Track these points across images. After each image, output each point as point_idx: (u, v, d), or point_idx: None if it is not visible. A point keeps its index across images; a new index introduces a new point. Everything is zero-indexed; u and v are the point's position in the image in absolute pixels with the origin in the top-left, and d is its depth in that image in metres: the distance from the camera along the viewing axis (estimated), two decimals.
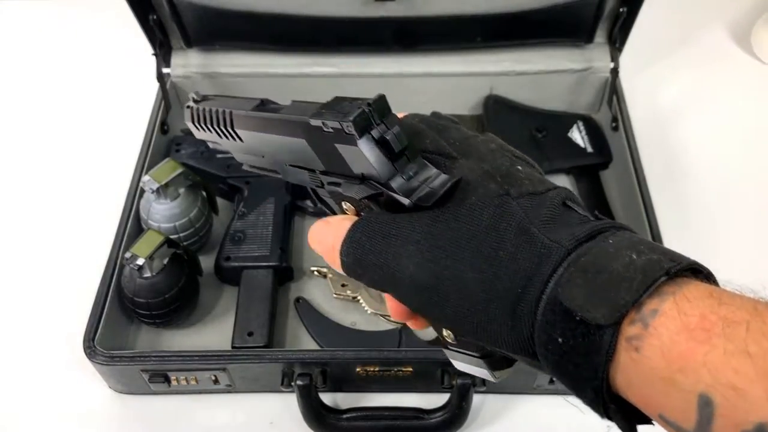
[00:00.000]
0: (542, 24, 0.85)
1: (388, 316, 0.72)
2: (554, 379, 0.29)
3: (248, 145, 0.44)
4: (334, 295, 0.75)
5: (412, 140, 0.34)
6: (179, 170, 0.73)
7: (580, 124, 0.90)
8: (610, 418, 0.28)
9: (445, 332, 0.36)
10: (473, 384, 0.64)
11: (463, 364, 0.37)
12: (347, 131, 0.32)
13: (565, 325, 0.27)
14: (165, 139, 0.86)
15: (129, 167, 0.80)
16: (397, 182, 0.33)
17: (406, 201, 0.33)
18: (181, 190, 0.74)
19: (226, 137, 0.45)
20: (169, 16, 0.82)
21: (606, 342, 0.26)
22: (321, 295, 0.76)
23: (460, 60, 0.90)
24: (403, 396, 0.68)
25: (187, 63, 0.90)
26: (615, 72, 0.87)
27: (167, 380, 0.66)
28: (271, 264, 0.74)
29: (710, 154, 0.90)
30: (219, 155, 0.82)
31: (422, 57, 0.89)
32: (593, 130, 0.89)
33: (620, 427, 0.28)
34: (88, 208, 0.85)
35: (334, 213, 0.42)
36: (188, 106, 0.48)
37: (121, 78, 1.00)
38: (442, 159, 0.35)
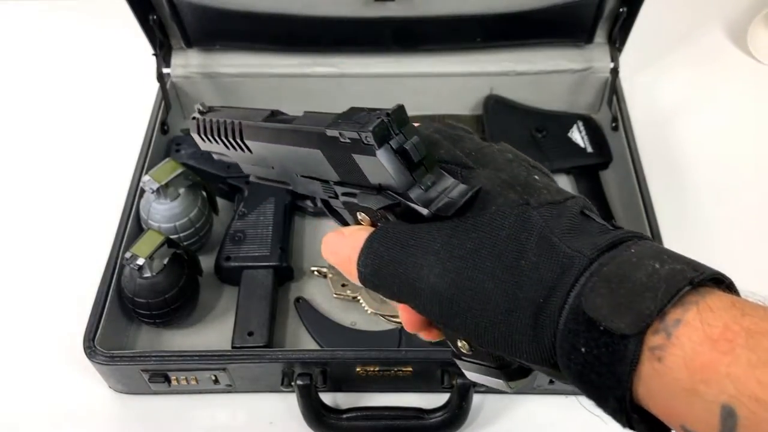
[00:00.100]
0: (542, 24, 0.85)
1: (388, 316, 0.72)
2: (576, 388, 0.29)
3: (258, 157, 0.44)
4: (334, 295, 0.75)
5: (429, 150, 0.34)
6: (179, 170, 0.73)
7: (580, 124, 0.90)
8: (632, 429, 0.28)
9: (459, 343, 0.36)
10: (473, 384, 0.64)
11: (477, 374, 0.37)
12: (365, 141, 0.32)
13: (589, 335, 0.27)
14: (165, 139, 0.86)
15: (129, 167, 0.80)
16: (415, 192, 0.33)
17: (424, 211, 0.33)
18: (181, 190, 0.74)
19: (234, 148, 0.45)
20: (169, 16, 0.82)
21: (630, 352, 0.26)
22: (321, 295, 0.76)
23: (460, 60, 0.90)
24: (403, 396, 0.68)
25: (187, 63, 0.90)
26: (615, 72, 0.87)
27: (167, 380, 0.66)
28: (271, 264, 0.74)
29: (710, 154, 0.90)
30: None
31: (422, 57, 0.89)
32: (593, 130, 0.90)
33: None
34: (88, 208, 0.85)
35: (345, 224, 0.42)
36: (194, 118, 0.47)
37: (121, 78, 1.00)
38: (458, 169, 0.35)
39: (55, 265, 0.80)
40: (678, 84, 0.99)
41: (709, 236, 0.81)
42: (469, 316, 0.31)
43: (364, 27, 0.84)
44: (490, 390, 0.68)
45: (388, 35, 0.87)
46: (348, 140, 0.33)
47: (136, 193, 0.77)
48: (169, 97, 0.88)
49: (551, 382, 0.66)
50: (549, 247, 0.30)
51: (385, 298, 0.36)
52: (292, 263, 0.77)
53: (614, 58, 0.88)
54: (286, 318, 0.74)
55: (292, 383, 0.65)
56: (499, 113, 0.91)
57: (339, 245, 0.37)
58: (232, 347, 0.69)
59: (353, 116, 0.34)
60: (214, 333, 0.73)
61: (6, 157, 0.92)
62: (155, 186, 0.71)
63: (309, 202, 0.81)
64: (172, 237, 0.70)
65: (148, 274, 0.67)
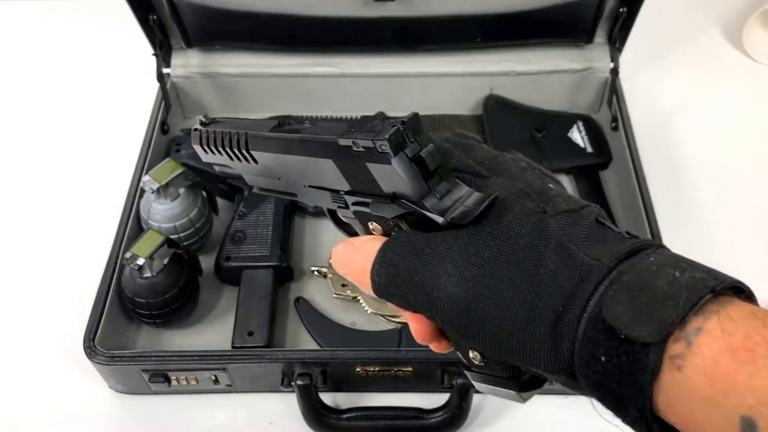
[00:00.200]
0: (542, 24, 0.85)
1: (388, 316, 0.72)
2: (594, 399, 0.29)
3: (264, 168, 0.43)
4: (334, 295, 0.75)
5: (443, 159, 0.33)
6: (179, 170, 0.73)
7: (580, 124, 0.90)
8: None
9: (471, 354, 0.35)
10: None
11: (488, 386, 0.37)
12: (380, 149, 0.32)
13: (609, 344, 0.27)
14: (165, 139, 0.86)
15: (129, 167, 0.80)
16: (430, 201, 0.33)
17: (440, 219, 0.32)
18: (181, 190, 0.74)
19: (239, 159, 0.44)
20: (169, 16, 0.82)
21: (652, 360, 0.26)
22: (321, 295, 0.76)
23: (460, 60, 0.90)
24: (403, 396, 0.68)
25: (187, 63, 0.90)
26: (615, 72, 0.87)
27: (167, 380, 0.66)
28: (271, 264, 0.74)
29: (710, 154, 0.90)
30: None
31: (422, 57, 0.89)
32: (593, 130, 0.90)
33: None
34: (88, 208, 0.85)
35: (352, 235, 0.41)
36: (195, 129, 0.47)
37: (121, 78, 1.00)
38: (471, 177, 0.35)
39: (56, 265, 0.80)
40: (678, 84, 0.99)
41: (709, 236, 0.81)
42: (487, 325, 0.30)
43: (364, 27, 0.84)
44: None
45: (388, 35, 0.87)
46: (362, 149, 0.33)
47: (136, 193, 0.77)
48: (169, 97, 0.88)
49: (551, 382, 0.66)
50: (567, 256, 0.29)
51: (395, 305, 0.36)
52: (292, 263, 0.77)
53: (614, 58, 0.88)
54: (286, 318, 0.74)
55: (292, 383, 0.65)
56: (499, 113, 0.91)
57: (350, 255, 0.36)
58: (232, 347, 0.69)
59: (366, 125, 0.34)
60: (214, 333, 0.73)
61: (6, 157, 0.92)
62: (155, 186, 0.71)
63: None
64: (172, 237, 0.70)
65: (148, 274, 0.67)
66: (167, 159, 0.75)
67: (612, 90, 0.88)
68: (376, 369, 0.65)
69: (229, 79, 0.91)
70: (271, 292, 0.72)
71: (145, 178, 0.72)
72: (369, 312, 0.73)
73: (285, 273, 0.76)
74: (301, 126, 0.40)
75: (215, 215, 0.80)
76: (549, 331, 0.29)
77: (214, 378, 0.66)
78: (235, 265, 0.74)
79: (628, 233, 0.32)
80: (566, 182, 0.88)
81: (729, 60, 1.03)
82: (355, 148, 0.34)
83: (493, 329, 0.30)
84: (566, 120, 0.90)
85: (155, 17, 0.82)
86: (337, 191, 0.39)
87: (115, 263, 0.70)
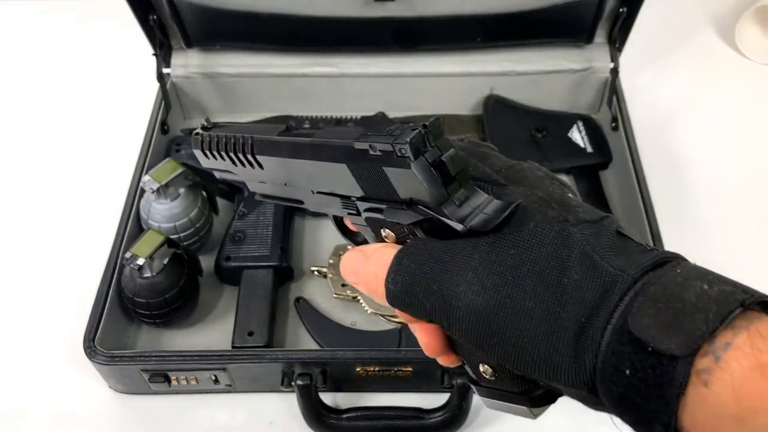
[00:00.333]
0: (542, 24, 0.85)
1: (389, 316, 0.72)
2: (614, 414, 0.28)
3: (269, 173, 0.43)
4: (334, 295, 0.75)
5: (464, 165, 0.33)
6: (179, 170, 0.73)
7: (580, 124, 0.90)
8: None
9: (482, 368, 0.35)
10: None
11: (498, 401, 0.36)
12: (400, 153, 0.31)
13: (635, 356, 0.26)
14: (165, 139, 0.86)
15: (129, 167, 0.80)
16: (449, 208, 0.32)
17: (459, 227, 0.32)
18: (181, 190, 0.74)
19: (243, 164, 0.43)
20: (169, 16, 0.82)
21: (680, 374, 0.25)
22: (321, 295, 0.76)
23: (460, 60, 0.90)
24: (403, 396, 0.68)
25: (187, 63, 0.90)
26: (615, 72, 0.87)
27: (167, 380, 0.66)
28: (271, 264, 0.74)
29: (710, 154, 0.91)
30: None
31: (422, 57, 0.89)
32: (593, 130, 0.89)
33: None
34: (88, 208, 0.85)
35: (358, 243, 0.41)
36: (197, 133, 0.46)
37: (121, 78, 1.00)
38: (489, 186, 0.34)
39: (56, 265, 0.80)
40: (678, 84, 0.99)
41: (709, 236, 0.81)
42: (507, 335, 0.30)
43: (364, 27, 0.84)
44: None
45: (388, 35, 0.87)
46: (379, 152, 0.33)
47: (136, 193, 0.77)
48: (169, 97, 0.88)
49: None
50: (591, 266, 0.29)
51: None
52: (292, 263, 0.77)
53: (614, 58, 0.88)
54: (286, 318, 0.74)
55: (292, 383, 0.65)
56: (499, 113, 0.91)
57: (362, 263, 0.35)
58: (232, 347, 0.69)
59: (383, 129, 0.33)
60: (214, 333, 0.73)
61: (6, 157, 0.92)
62: (155, 186, 0.71)
63: None
64: (172, 237, 0.70)
65: (148, 274, 0.67)
66: (167, 159, 0.75)
67: (612, 90, 0.88)
68: (376, 369, 0.65)
69: (229, 79, 0.91)
70: (271, 292, 0.72)
71: (145, 178, 0.72)
72: (369, 312, 0.73)
73: (285, 273, 0.76)
74: (310, 131, 0.39)
75: (215, 215, 0.80)
76: (572, 342, 0.28)
77: (214, 378, 0.66)
78: (235, 265, 0.74)
79: (648, 246, 0.31)
80: (566, 182, 0.87)
81: (724, 58, 1.03)
82: (372, 152, 0.33)
83: (513, 340, 0.29)
84: (566, 120, 0.90)
85: (155, 17, 0.82)
86: (348, 197, 0.38)
87: (115, 263, 0.70)
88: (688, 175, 0.88)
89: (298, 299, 0.75)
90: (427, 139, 0.32)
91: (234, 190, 0.82)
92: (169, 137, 0.87)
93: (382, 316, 0.72)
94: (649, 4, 0.80)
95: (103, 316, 0.67)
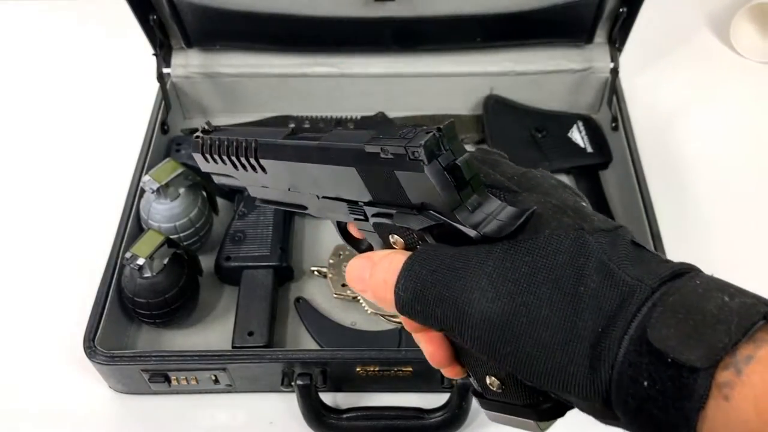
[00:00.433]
0: (542, 24, 0.85)
1: (389, 316, 0.72)
2: (629, 429, 0.28)
3: (273, 178, 0.42)
4: (334, 295, 0.75)
5: (477, 170, 0.32)
6: (179, 170, 0.73)
7: (580, 124, 0.90)
8: None
9: (488, 379, 0.34)
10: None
11: (503, 414, 0.35)
12: (413, 156, 0.31)
13: (653, 368, 0.25)
14: (165, 139, 0.86)
15: (129, 167, 0.80)
16: (461, 214, 0.31)
17: (472, 233, 0.31)
18: (181, 190, 0.74)
19: (245, 168, 0.42)
20: (169, 16, 0.82)
21: (700, 387, 0.24)
22: (321, 295, 0.76)
23: (460, 60, 0.90)
24: (403, 396, 0.68)
25: (187, 63, 0.90)
26: (615, 72, 0.87)
27: (167, 380, 0.66)
28: (271, 264, 0.74)
29: (710, 154, 0.91)
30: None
31: (422, 57, 0.89)
32: (593, 130, 0.90)
33: None
34: (88, 208, 0.85)
35: (363, 250, 0.40)
36: (197, 137, 0.45)
37: (121, 78, 1.00)
38: (501, 192, 0.34)
39: (56, 265, 0.80)
40: (678, 84, 1.00)
41: (709, 236, 0.81)
42: (521, 344, 0.29)
43: (364, 27, 0.84)
44: None
45: (388, 35, 0.87)
46: (391, 156, 0.32)
47: (136, 193, 0.77)
48: (169, 97, 0.88)
49: None
50: (608, 274, 0.28)
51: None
52: (292, 263, 0.77)
53: (614, 58, 0.88)
54: (286, 318, 0.74)
55: (292, 383, 0.65)
56: (499, 113, 0.91)
57: (369, 270, 0.35)
58: (232, 347, 0.69)
59: (395, 132, 0.33)
60: (214, 333, 0.73)
61: (6, 157, 0.92)
62: (155, 186, 0.71)
63: None
64: (172, 237, 0.70)
65: (148, 274, 0.67)
66: (167, 159, 0.75)
67: (612, 90, 0.88)
68: (376, 369, 0.65)
69: (229, 79, 0.91)
70: (271, 292, 0.72)
71: (145, 178, 0.72)
72: (369, 312, 0.73)
73: (285, 273, 0.76)
74: (316, 135, 0.38)
75: (215, 215, 0.80)
76: (587, 353, 0.27)
77: (214, 378, 0.66)
78: (235, 265, 0.74)
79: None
80: (566, 182, 0.87)
81: (720, 57, 1.04)
82: (383, 155, 0.32)
83: (527, 349, 0.29)
84: (566, 120, 0.90)
85: (155, 17, 0.82)
86: (355, 202, 0.37)
87: (115, 263, 0.70)
88: (688, 175, 0.88)
89: (298, 299, 0.75)
90: (441, 142, 0.31)
91: (234, 190, 0.82)
92: (169, 137, 0.87)
93: (382, 316, 0.73)
94: (648, 4, 0.80)
95: (103, 316, 0.67)
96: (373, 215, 0.37)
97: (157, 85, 0.87)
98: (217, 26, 0.85)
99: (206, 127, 0.45)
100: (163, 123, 0.86)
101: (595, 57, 0.89)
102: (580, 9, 0.82)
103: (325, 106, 0.93)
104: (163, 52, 0.87)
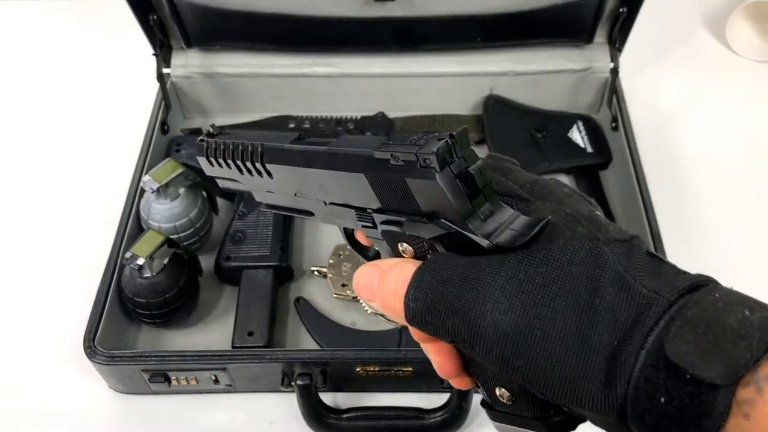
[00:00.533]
0: (542, 24, 0.85)
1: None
2: None
3: (279, 183, 0.41)
4: (334, 295, 0.75)
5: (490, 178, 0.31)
6: (179, 170, 0.73)
7: (580, 124, 0.90)
8: None
9: (498, 391, 0.33)
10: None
11: (512, 427, 0.34)
12: (424, 163, 0.30)
13: (671, 384, 0.25)
14: (165, 139, 0.86)
15: (129, 167, 0.80)
16: (473, 223, 0.31)
17: (485, 242, 0.30)
18: (181, 190, 0.74)
19: (251, 173, 0.42)
20: (169, 16, 0.82)
21: (720, 404, 0.24)
22: (321, 295, 0.76)
23: (460, 60, 0.90)
24: (403, 396, 0.68)
25: (187, 63, 0.90)
26: (615, 72, 0.87)
27: (167, 380, 0.66)
28: (271, 264, 0.74)
29: (710, 154, 0.91)
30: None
31: (422, 57, 0.89)
32: (593, 130, 0.90)
33: None
34: (88, 208, 0.85)
35: (370, 258, 0.40)
36: (201, 140, 0.44)
37: (121, 78, 1.00)
38: (513, 201, 0.33)
39: (56, 265, 0.80)
40: (678, 84, 1.00)
41: (708, 236, 0.81)
42: (535, 358, 0.28)
43: (364, 27, 0.84)
44: None
45: (388, 35, 0.87)
46: (401, 162, 0.31)
47: (136, 193, 0.77)
48: (169, 97, 0.88)
49: None
50: (624, 286, 0.28)
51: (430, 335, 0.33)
52: (292, 263, 0.77)
53: (614, 58, 0.88)
54: (286, 318, 0.74)
55: (292, 383, 0.65)
56: (499, 113, 0.91)
57: (378, 279, 0.34)
58: (232, 347, 0.69)
59: (405, 138, 0.32)
60: (214, 333, 0.73)
61: (6, 157, 0.92)
62: (155, 186, 0.71)
63: None
64: (172, 237, 0.70)
65: (148, 274, 0.67)
66: (167, 159, 0.75)
67: (612, 90, 0.88)
68: (376, 369, 0.65)
69: (229, 79, 0.91)
70: (271, 292, 0.72)
71: (145, 178, 0.72)
72: (369, 312, 0.73)
73: (285, 273, 0.76)
74: (324, 140, 0.37)
75: (215, 215, 0.80)
76: (603, 366, 0.27)
77: (214, 378, 0.66)
78: (235, 265, 0.74)
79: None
80: (566, 182, 0.87)
81: (717, 56, 1.04)
82: (394, 162, 0.32)
83: (541, 362, 0.28)
84: (566, 120, 0.90)
85: (155, 17, 0.82)
86: (364, 209, 0.37)
87: (115, 263, 0.70)
88: (688, 175, 0.88)
89: (298, 299, 0.75)
90: (453, 149, 0.30)
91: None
92: (169, 137, 0.87)
93: (382, 316, 0.72)
94: (646, 3, 0.80)
95: (103, 316, 0.67)
96: (382, 223, 0.36)
97: (157, 85, 0.87)
98: (217, 26, 0.85)
99: (211, 130, 0.44)
100: (163, 123, 0.86)
101: (595, 57, 0.89)
102: (580, 9, 0.82)
103: (325, 106, 0.93)
104: (163, 52, 0.87)
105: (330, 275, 0.75)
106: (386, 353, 0.65)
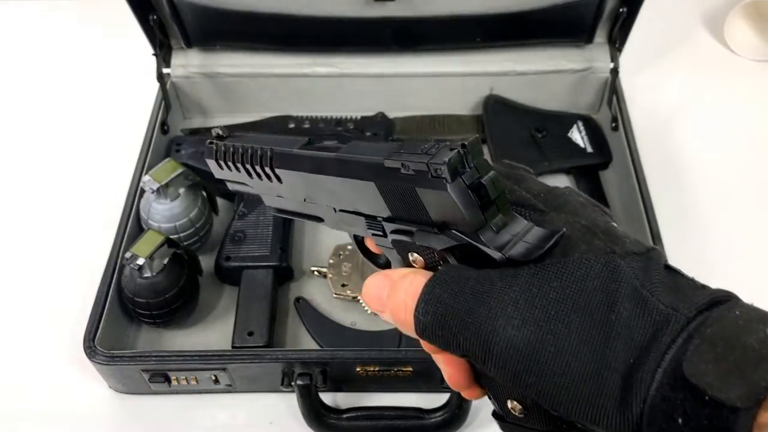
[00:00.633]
0: (542, 24, 0.85)
1: None
2: None
3: (288, 188, 0.40)
4: (334, 295, 0.75)
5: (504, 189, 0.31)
6: (179, 170, 0.73)
7: (580, 124, 0.90)
8: None
9: (510, 404, 0.33)
10: None
11: None
12: (435, 173, 0.29)
13: (689, 404, 0.24)
14: (165, 139, 0.86)
15: (129, 167, 0.80)
16: (486, 235, 0.30)
17: (497, 255, 0.30)
18: (181, 190, 0.74)
19: (260, 177, 0.41)
20: (169, 16, 0.82)
21: (741, 427, 0.23)
22: (321, 295, 0.76)
23: (460, 60, 0.90)
24: (403, 396, 0.68)
25: (187, 63, 0.90)
26: (615, 72, 0.88)
27: (167, 380, 0.66)
28: (271, 264, 0.74)
29: (710, 154, 0.91)
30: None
31: (422, 57, 0.90)
32: (593, 130, 0.89)
33: None
34: (88, 208, 0.85)
35: (382, 266, 0.39)
36: (210, 143, 0.44)
37: (121, 78, 1.00)
38: (527, 211, 0.32)
39: (56, 265, 0.80)
40: (678, 84, 1.00)
41: (708, 236, 0.81)
42: (548, 374, 0.27)
43: (364, 27, 0.84)
44: None
45: (388, 35, 0.87)
46: (412, 172, 0.31)
47: (136, 193, 0.77)
48: (169, 97, 0.88)
49: None
50: (641, 302, 0.27)
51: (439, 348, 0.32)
52: (292, 263, 0.77)
53: (614, 58, 0.88)
54: (286, 318, 0.74)
55: (292, 383, 0.65)
56: (499, 113, 0.91)
57: (388, 290, 0.33)
58: (232, 347, 0.69)
59: (417, 147, 0.31)
60: (214, 333, 0.73)
61: (6, 158, 0.92)
62: (155, 186, 0.71)
63: None
64: (172, 237, 0.70)
65: (148, 274, 0.67)
66: (167, 159, 0.75)
67: (612, 90, 0.88)
68: (376, 369, 0.65)
69: (229, 79, 0.91)
70: (271, 292, 0.72)
71: (145, 178, 0.72)
72: (369, 312, 0.73)
73: (285, 273, 0.76)
74: (335, 145, 0.37)
75: (215, 215, 0.80)
76: (618, 384, 0.26)
77: (214, 378, 0.66)
78: (235, 265, 0.74)
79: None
80: (566, 182, 0.88)
81: (716, 56, 1.04)
82: (404, 171, 0.31)
83: (555, 379, 0.27)
84: (566, 120, 0.90)
85: (155, 17, 0.82)
86: (374, 217, 0.36)
87: (115, 263, 0.70)
88: (688, 175, 0.88)
89: (298, 299, 0.75)
90: (465, 159, 0.29)
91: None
92: (169, 137, 0.87)
93: None
94: (646, 3, 0.80)
95: (103, 316, 0.67)
96: (392, 232, 0.35)
97: (157, 85, 0.87)
98: (217, 26, 0.85)
99: (221, 132, 0.44)
100: (163, 123, 0.86)
101: (595, 57, 0.89)
102: (580, 9, 0.82)
103: (325, 106, 0.93)
104: (163, 52, 0.87)
105: (330, 275, 0.75)
106: (386, 353, 0.65)
